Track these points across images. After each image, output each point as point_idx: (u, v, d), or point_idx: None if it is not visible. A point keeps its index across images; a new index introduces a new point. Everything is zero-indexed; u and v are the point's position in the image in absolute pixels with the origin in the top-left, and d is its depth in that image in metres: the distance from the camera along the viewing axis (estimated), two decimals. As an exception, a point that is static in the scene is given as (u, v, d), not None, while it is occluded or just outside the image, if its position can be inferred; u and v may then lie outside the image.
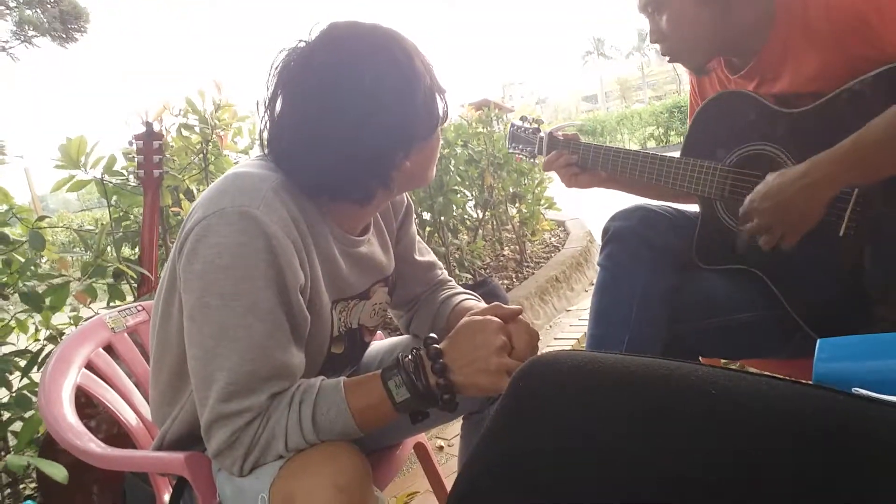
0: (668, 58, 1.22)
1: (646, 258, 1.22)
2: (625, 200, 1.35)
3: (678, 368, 0.55)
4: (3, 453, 1.73)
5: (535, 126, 1.54)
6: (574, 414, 0.55)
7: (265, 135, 0.89)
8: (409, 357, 0.84)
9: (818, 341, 0.61)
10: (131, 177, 2.06)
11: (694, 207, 1.34)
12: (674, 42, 1.19)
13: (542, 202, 4.35)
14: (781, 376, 0.54)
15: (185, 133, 2.18)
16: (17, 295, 1.72)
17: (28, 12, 9.44)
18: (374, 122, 0.82)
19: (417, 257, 1.16)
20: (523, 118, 1.58)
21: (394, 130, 0.84)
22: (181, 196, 2.16)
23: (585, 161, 1.39)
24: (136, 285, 1.93)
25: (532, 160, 1.57)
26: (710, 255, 1.25)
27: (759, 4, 1.12)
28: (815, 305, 1.11)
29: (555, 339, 3.08)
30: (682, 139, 1.34)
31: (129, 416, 1.16)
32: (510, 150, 1.60)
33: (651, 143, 18.71)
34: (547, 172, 4.47)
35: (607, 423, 0.53)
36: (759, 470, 0.48)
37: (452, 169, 3.45)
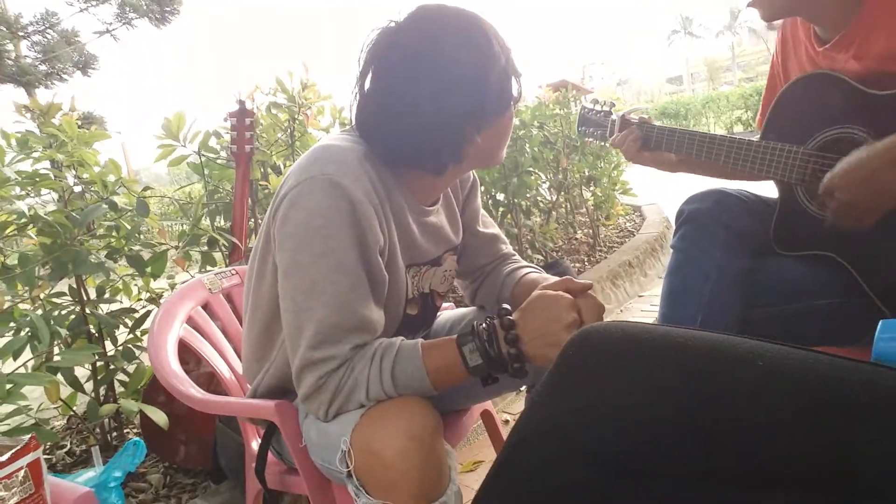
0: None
1: (721, 239, 1.20)
2: (702, 185, 1.34)
3: (726, 340, 0.57)
4: (111, 400, 1.91)
5: (607, 109, 1.52)
6: (620, 379, 0.58)
7: (354, 108, 0.97)
8: (484, 325, 0.90)
9: (881, 321, 0.61)
10: (223, 152, 2.21)
11: (769, 191, 1.31)
12: None
13: (618, 186, 4.27)
14: (828, 352, 0.55)
15: (273, 111, 2.30)
16: (123, 259, 1.90)
17: (128, -5, 10.06)
18: (449, 95, 0.89)
19: (481, 229, 1.22)
20: (595, 101, 1.57)
21: (466, 104, 0.90)
22: (269, 170, 2.29)
23: (659, 143, 1.37)
24: (227, 253, 2.07)
25: (603, 143, 1.56)
26: (788, 241, 1.23)
27: None
28: None
29: (625, 323, 3.05)
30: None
31: (223, 369, 1.27)
32: (580, 132, 1.59)
33: (738, 128, 17.84)
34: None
35: (652, 389, 0.56)
36: (798, 437, 0.50)
37: (528, 150, 3.45)
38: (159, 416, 1.43)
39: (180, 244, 2.04)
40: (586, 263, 3.72)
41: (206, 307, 1.32)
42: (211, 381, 1.63)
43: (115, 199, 1.90)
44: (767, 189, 1.34)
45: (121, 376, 1.91)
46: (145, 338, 1.31)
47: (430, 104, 0.89)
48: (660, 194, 5.14)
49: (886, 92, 1.07)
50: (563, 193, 4.10)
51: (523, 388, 1.29)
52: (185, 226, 2.15)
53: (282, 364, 0.98)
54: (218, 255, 2.15)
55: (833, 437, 0.50)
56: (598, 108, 1.54)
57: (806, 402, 0.52)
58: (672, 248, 1.29)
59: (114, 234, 1.89)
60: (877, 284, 1.10)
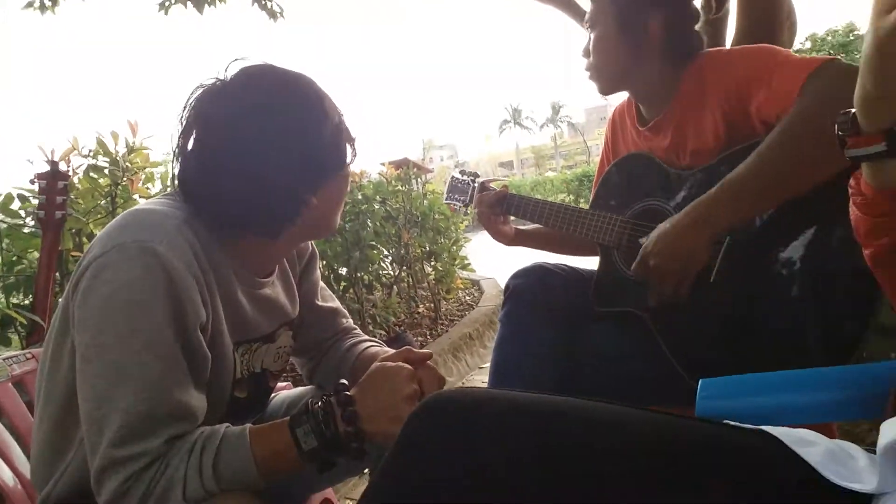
0: (588, 74, 1.35)
1: (542, 315, 1.30)
2: (530, 260, 1.44)
3: (564, 402, 0.59)
4: None
5: (471, 178, 1.65)
6: (469, 446, 0.57)
7: (176, 169, 0.89)
8: (319, 404, 0.84)
9: (700, 381, 0.67)
10: (29, 218, 1.96)
11: (589, 264, 1.45)
12: (593, 60, 1.32)
13: (457, 261, 4.44)
14: (661, 410, 0.60)
15: (93, 175, 2.10)
16: None
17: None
18: (280, 153, 0.85)
19: (320, 303, 1.17)
20: (462, 171, 1.69)
21: (299, 163, 0.87)
22: (84, 240, 2.06)
23: (509, 207, 1.51)
24: (25, 334, 1.80)
25: (465, 210, 1.67)
26: (604, 298, 1.35)
27: (667, 66, 1.27)
28: (690, 349, 1.20)
29: (467, 396, 3.09)
30: (591, 203, 1.47)
31: (5, 476, 1.06)
32: (446, 201, 1.71)
33: (562, 210, 19.59)
34: (466, 231, 4.60)
35: (501, 454, 0.56)
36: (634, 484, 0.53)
37: (370, 225, 3.48)
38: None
39: (-36, 323, 1.74)
40: (428, 337, 3.75)
41: (-11, 399, 1.12)
42: (-8, 488, 1.36)
43: None
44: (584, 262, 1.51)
45: None
46: None
47: (260, 164, 0.84)
48: (496, 268, 5.40)
49: (685, 170, 1.24)
50: (404, 268, 4.16)
51: (366, 470, 1.23)
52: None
53: (79, 467, 0.83)
54: (15, 337, 1.86)
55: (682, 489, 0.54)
56: (464, 177, 1.66)
57: (657, 463, 0.55)
58: (499, 321, 1.37)
59: None
60: (672, 341, 1.21)
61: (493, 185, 1.62)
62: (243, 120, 0.84)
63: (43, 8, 5.02)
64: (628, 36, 1.26)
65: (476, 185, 1.64)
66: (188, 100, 0.88)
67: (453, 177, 1.70)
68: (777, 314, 1.09)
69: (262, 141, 0.84)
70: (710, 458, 0.55)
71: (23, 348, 1.81)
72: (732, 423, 0.59)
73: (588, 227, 1.36)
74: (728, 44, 2.89)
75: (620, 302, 1.31)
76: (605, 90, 1.36)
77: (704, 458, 0.55)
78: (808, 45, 17.91)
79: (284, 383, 1.28)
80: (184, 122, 0.87)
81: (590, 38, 1.32)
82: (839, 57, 1.07)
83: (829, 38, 17.59)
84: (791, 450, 0.55)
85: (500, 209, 1.52)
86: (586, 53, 1.34)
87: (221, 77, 0.88)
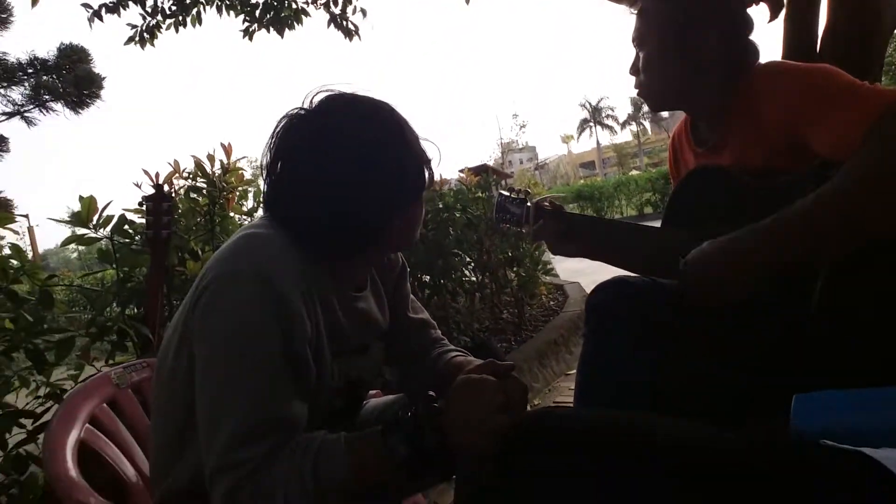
0: (637, 91, 1.31)
1: (625, 332, 1.24)
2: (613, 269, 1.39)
3: (653, 422, 0.59)
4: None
5: (522, 197, 1.57)
6: (566, 466, 0.58)
7: (266, 197, 0.96)
8: (409, 415, 0.87)
9: (794, 396, 0.64)
10: (138, 237, 2.12)
11: None
12: (643, 79, 1.28)
13: (539, 266, 4.40)
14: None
15: (193, 195, 2.25)
16: (21, 352, 1.74)
17: (45, 78, 9.81)
18: (363, 180, 0.89)
19: (411, 315, 1.22)
20: (510, 189, 1.61)
21: (382, 189, 0.91)
22: (186, 256, 2.21)
23: (570, 229, 1.43)
24: (139, 343, 1.95)
25: (519, 230, 1.60)
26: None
27: (724, 81, 1.20)
28: (788, 363, 1.10)
29: (553, 402, 3.06)
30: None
31: (128, 473, 1.16)
32: (497, 220, 1.61)
33: (648, 209, 18.95)
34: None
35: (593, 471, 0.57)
36: None
37: (451, 233, 3.52)
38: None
39: (89, 331, 1.90)
40: (513, 343, 3.74)
41: (112, 404, 1.22)
42: (115, 486, 1.49)
43: (17, 287, 1.77)
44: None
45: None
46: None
47: (344, 188, 0.89)
48: (579, 272, 5.32)
49: (762, 186, 1.14)
50: (487, 274, 4.17)
51: (453, 476, 1.25)
52: (90, 315, 2.02)
53: (192, 467, 0.90)
54: (130, 345, 2.02)
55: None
56: (513, 196, 1.57)
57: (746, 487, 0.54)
58: (582, 337, 1.32)
59: (12, 327, 1.75)
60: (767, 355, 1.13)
61: (546, 202, 1.51)
62: (326, 149, 0.89)
63: (143, 42, 5.31)
64: (684, 54, 1.21)
65: (531, 205, 1.51)
66: (275, 129, 0.93)
67: (501, 194, 1.59)
68: (884, 335, 1.00)
69: (344, 169, 0.89)
70: (802, 484, 0.53)
71: (137, 356, 1.96)
72: (829, 443, 0.56)
73: (657, 247, 1.28)
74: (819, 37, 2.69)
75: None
76: (658, 109, 1.32)
77: (797, 483, 0.53)
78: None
79: (375, 391, 1.32)
80: (271, 151, 0.93)
81: (638, 56, 1.28)
82: None
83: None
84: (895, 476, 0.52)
85: (562, 236, 1.43)
86: (634, 71, 1.29)
87: (305, 107, 0.94)
